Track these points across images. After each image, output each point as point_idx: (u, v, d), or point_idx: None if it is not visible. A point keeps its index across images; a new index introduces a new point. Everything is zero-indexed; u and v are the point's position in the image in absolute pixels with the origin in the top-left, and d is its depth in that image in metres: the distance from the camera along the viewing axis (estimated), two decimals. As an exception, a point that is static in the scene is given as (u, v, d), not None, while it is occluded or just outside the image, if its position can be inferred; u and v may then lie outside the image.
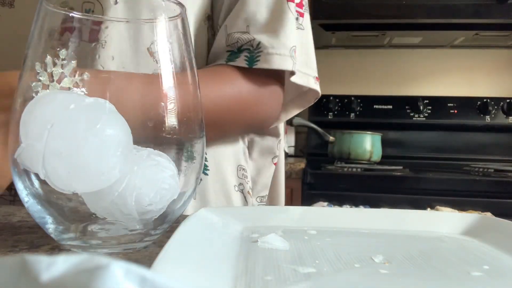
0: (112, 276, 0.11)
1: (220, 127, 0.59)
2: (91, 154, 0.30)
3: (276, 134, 0.74)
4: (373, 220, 0.42)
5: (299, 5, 0.63)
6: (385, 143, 1.77)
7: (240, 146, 0.71)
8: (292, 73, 0.60)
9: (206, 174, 0.65)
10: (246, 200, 0.71)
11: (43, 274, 0.11)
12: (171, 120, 0.35)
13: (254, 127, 0.67)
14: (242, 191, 0.70)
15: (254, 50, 0.57)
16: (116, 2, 0.35)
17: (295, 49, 0.59)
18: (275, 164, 0.76)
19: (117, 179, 0.31)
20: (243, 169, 0.70)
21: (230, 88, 0.57)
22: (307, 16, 0.66)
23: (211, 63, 0.62)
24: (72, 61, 0.32)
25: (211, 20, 0.64)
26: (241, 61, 0.57)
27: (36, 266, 0.11)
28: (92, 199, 0.32)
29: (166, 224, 0.36)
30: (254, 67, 0.57)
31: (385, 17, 1.70)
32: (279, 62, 0.57)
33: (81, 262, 0.11)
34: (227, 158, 0.68)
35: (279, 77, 0.62)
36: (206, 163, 0.65)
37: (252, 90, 0.59)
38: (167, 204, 0.34)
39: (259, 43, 0.57)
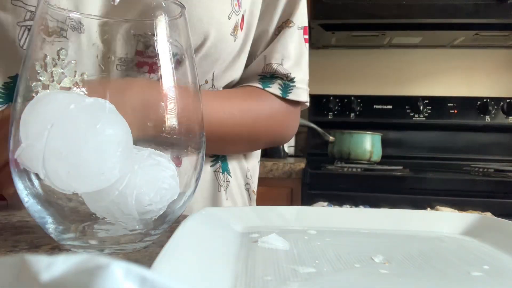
0: (112, 276, 0.11)
1: (254, 138, 0.71)
2: (91, 154, 0.30)
3: None
4: (373, 220, 0.42)
5: (306, 32, 0.75)
6: (385, 143, 1.77)
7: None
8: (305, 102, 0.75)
9: (230, 176, 0.74)
10: (250, 197, 0.79)
11: (43, 274, 0.11)
12: (171, 120, 0.35)
13: (278, 142, 0.78)
14: (248, 190, 0.78)
15: (288, 82, 0.71)
16: (114, 2, 0.35)
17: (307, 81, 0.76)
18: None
19: (117, 178, 0.31)
20: (249, 170, 0.79)
21: (267, 108, 0.70)
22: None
23: (241, 83, 0.72)
24: (72, 61, 0.32)
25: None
26: (276, 89, 0.70)
27: (36, 266, 0.11)
28: (92, 198, 0.32)
29: (166, 224, 0.36)
30: (287, 97, 0.71)
31: (385, 17, 1.70)
32: (303, 96, 0.73)
33: (81, 262, 0.11)
34: (238, 161, 0.77)
35: (298, 104, 0.75)
36: (229, 167, 0.74)
37: (283, 111, 0.72)
38: (167, 204, 0.34)
39: (293, 78, 0.71)
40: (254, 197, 0.81)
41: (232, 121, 0.64)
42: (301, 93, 0.72)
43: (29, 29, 0.53)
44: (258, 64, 0.72)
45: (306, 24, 0.75)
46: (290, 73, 0.71)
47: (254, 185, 0.82)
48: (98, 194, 0.31)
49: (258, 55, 0.73)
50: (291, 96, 0.71)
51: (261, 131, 0.70)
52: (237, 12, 0.64)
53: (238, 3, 0.64)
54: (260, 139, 0.72)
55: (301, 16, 0.73)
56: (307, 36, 0.75)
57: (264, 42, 0.73)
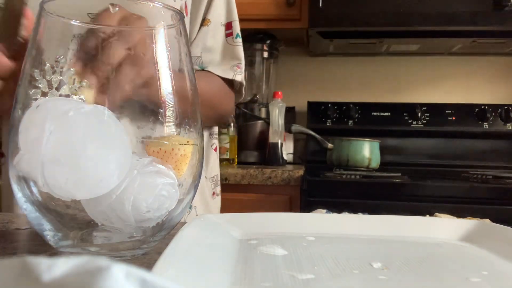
0: (113, 277, 0.11)
1: (212, 108, 0.80)
2: (89, 161, 0.30)
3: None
4: (372, 227, 0.42)
5: (227, 28, 0.86)
6: (383, 150, 1.76)
7: None
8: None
9: None
10: (204, 183, 0.90)
11: (44, 274, 0.11)
12: (169, 127, 0.35)
13: (224, 117, 0.90)
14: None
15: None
16: (115, 10, 0.35)
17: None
18: (215, 150, 0.95)
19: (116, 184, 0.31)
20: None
21: (217, 84, 0.83)
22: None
23: None
24: (71, 69, 0.32)
25: None
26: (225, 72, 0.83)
27: (37, 267, 0.11)
28: (90, 203, 0.32)
29: (165, 231, 0.36)
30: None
31: (382, 25, 1.70)
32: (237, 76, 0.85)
33: (82, 264, 0.11)
34: None
35: (232, 86, 0.87)
36: None
37: (226, 90, 0.85)
38: (166, 212, 0.34)
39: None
40: (207, 182, 0.91)
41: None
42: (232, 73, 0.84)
43: None
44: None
45: (231, 20, 0.86)
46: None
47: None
48: (96, 199, 0.31)
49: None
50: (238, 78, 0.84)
51: (215, 100, 0.81)
52: None
53: None
54: (217, 108, 0.82)
55: (217, 14, 0.84)
56: (230, 31, 0.86)
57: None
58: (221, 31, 0.85)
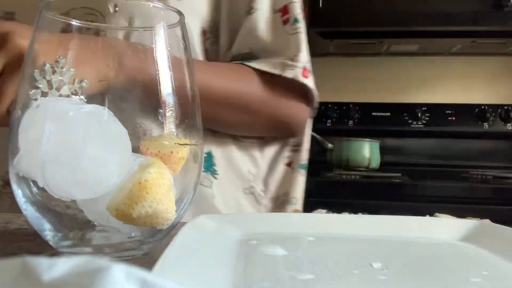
0: (113, 278, 0.11)
1: (251, 111, 0.67)
2: (89, 161, 0.30)
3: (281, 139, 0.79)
4: (372, 227, 0.42)
5: (285, 12, 0.70)
6: (383, 150, 1.76)
7: (250, 149, 0.75)
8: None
9: (215, 178, 0.69)
10: (257, 202, 0.73)
11: (44, 274, 0.11)
12: (169, 128, 0.35)
13: (284, 123, 0.73)
14: (253, 194, 0.73)
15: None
16: (115, 10, 0.35)
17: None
18: (287, 164, 0.77)
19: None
20: (252, 173, 0.73)
21: (257, 82, 0.66)
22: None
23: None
24: (71, 69, 0.32)
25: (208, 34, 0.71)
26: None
27: (37, 268, 0.11)
28: (88, 203, 0.32)
29: (164, 231, 0.36)
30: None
31: (382, 25, 1.70)
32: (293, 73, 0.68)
33: (82, 264, 0.11)
34: (236, 161, 0.71)
35: (300, 91, 0.72)
36: (215, 168, 0.69)
37: (277, 89, 0.68)
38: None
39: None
40: (264, 201, 0.74)
41: (220, 81, 0.62)
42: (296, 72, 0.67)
43: None
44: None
45: (286, 2, 0.69)
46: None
47: (264, 188, 0.75)
48: (95, 199, 0.31)
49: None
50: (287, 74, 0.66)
51: (253, 101, 0.66)
52: None
53: None
54: (253, 115, 0.68)
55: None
56: (287, 16, 0.69)
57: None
58: (274, 18, 0.69)
